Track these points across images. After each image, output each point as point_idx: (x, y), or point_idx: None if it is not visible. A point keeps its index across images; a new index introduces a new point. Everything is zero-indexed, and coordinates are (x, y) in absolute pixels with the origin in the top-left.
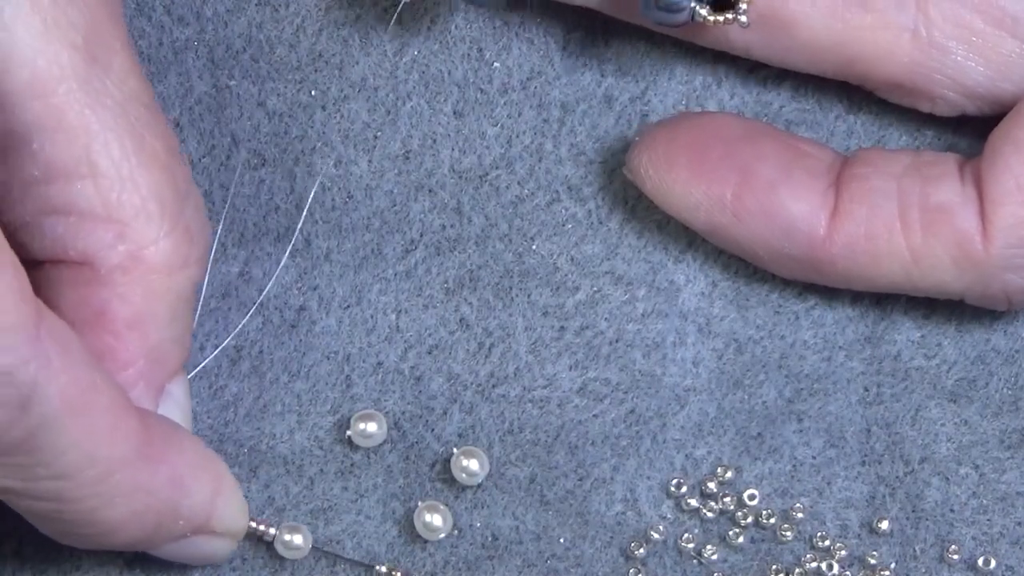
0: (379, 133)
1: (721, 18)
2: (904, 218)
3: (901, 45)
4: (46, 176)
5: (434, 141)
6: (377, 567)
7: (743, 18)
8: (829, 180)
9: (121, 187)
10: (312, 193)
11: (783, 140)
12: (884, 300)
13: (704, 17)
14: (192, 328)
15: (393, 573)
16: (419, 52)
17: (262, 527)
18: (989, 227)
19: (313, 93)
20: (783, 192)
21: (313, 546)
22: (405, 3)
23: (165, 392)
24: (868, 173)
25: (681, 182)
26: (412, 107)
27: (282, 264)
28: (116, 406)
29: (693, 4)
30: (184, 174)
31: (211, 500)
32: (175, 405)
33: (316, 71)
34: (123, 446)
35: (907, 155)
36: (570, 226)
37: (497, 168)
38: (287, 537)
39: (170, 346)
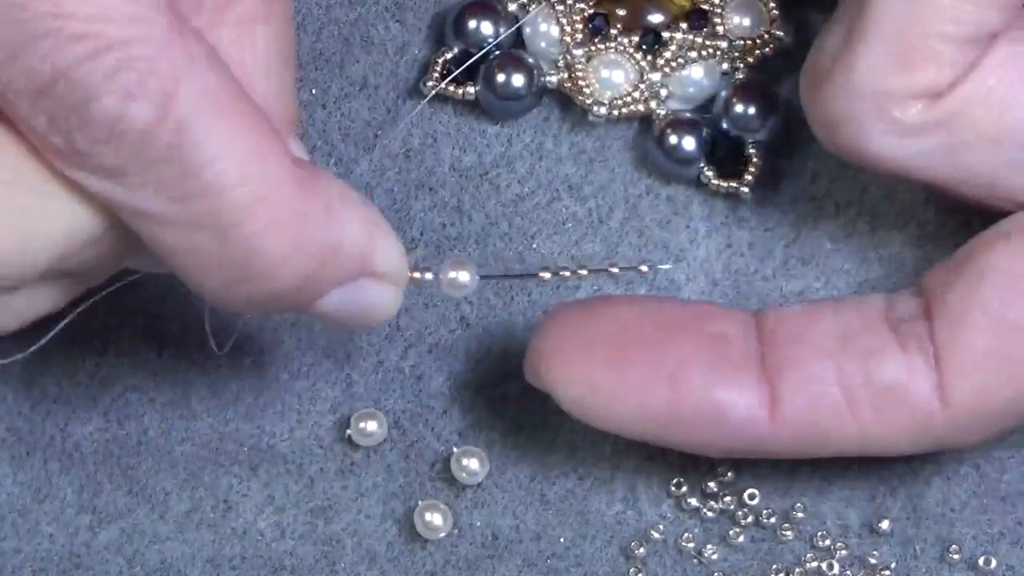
0: (379, 132)
1: (725, 184)
2: (851, 403)
3: None
4: None
5: (434, 140)
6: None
7: (746, 189)
8: (756, 367)
9: None
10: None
11: (693, 326)
12: None
13: (709, 180)
14: (295, 91)
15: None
16: (419, 51)
17: (417, 274)
18: (949, 400)
19: (314, 92)
20: (717, 396)
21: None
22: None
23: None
24: (800, 357)
25: (611, 400)
26: (413, 106)
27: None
28: (263, 123)
29: (702, 164)
30: None
31: (370, 235)
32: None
33: (316, 69)
34: (274, 165)
35: (830, 318)
36: (570, 225)
37: (497, 167)
38: (452, 275)
39: (275, 101)
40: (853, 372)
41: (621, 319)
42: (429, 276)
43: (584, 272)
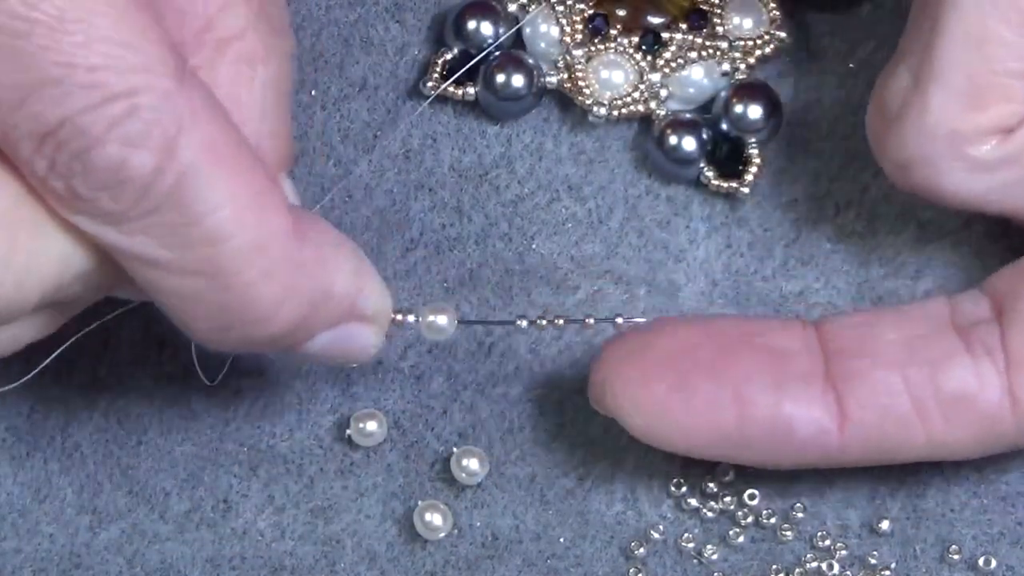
0: (379, 133)
1: (725, 184)
2: (920, 412)
3: None
4: None
5: (434, 140)
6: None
7: (746, 189)
8: (821, 380)
9: None
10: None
11: (754, 342)
12: (884, 299)
13: (709, 180)
14: (290, 130)
15: None
16: (419, 52)
17: (399, 316)
18: (1019, 407)
19: (313, 93)
20: (785, 411)
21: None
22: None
23: None
24: (865, 368)
25: (679, 425)
26: (412, 107)
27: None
28: (261, 172)
29: (702, 165)
30: None
31: (356, 278)
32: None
33: (316, 71)
34: (271, 214)
35: (893, 325)
36: (570, 225)
37: (497, 167)
38: (431, 318)
39: (268, 141)
40: (921, 381)
41: (681, 341)
42: (411, 319)
43: (561, 322)
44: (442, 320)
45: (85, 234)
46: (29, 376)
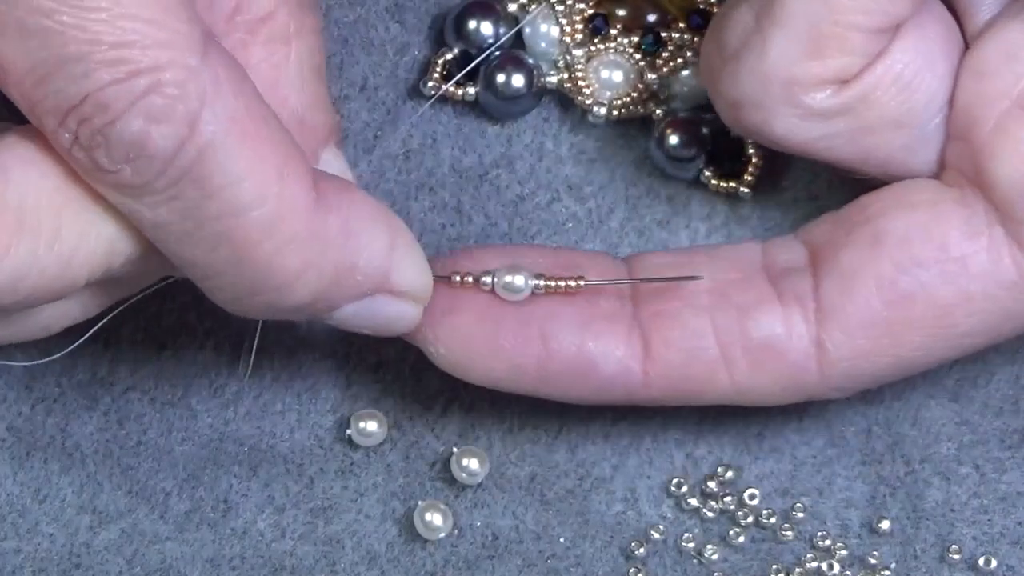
0: (379, 133)
1: (725, 184)
2: (726, 358)
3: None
4: None
5: (434, 140)
6: None
7: (745, 189)
8: (628, 319)
9: None
10: None
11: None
12: None
13: (709, 180)
14: (330, 102)
15: None
16: (419, 52)
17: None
18: (827, 357)
19: None
20: (587, 350)
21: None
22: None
23: (320, 160)
24: (675, 310)
25: (481, 358)
26: (413, 107)
27: None
28: (286, 144)
29: (702, 165)
30: None
31: (387, 254)
32: (333, 171)
33: None
34: (294, 187)
35: (705, 270)
36: (570, 225)
37: (497, 167)
38: (507, 279)
39: (311, 112)
40: (729, 327)
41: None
42: (488, 280)
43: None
44: (519, 280)
45: (126, 215)
46: (64, 352)
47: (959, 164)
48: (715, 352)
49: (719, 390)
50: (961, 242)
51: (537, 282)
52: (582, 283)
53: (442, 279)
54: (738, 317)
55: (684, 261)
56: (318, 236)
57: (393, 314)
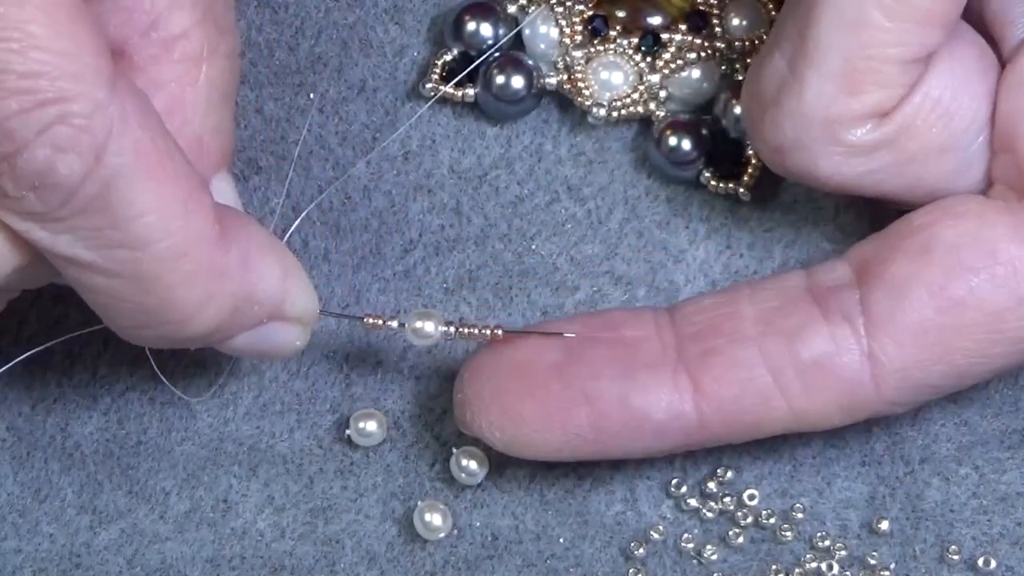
0: (378, 134)
1: (724, 185)
2: (780, 384)
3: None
4: None
5: (433, 141)
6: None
7: (744, 190)
8: (671, 363)
9: None
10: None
11: (604, 336)
12: None
13: (709, 181)
14: (232, 128)
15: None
16: (418, 54)
17: (379, 321)
18: (880, 370)
19: (312, 96)
20: (637, 402)
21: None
22: None
23: (211, 186)
24: (720, 346)
25: (535, 432)
26: (411, 108)
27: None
28: (190, 178)
29: (702, 166)
30: None
31: (282, 282)
32: (222, 199)
33: (315, 73)
34: (198, 221)
35: (747, 302)
36: (570, 226)
37: (496, 168)
38: (417, 324)
39: (211, 137)
40: (778, 352)
41: (529, 347)
42: (394, 324)
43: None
44: (428, 327)
45: (13, 232)
46: (15, 361)
47: (1006, 177)
48: (767, 380)
49: (777, 418)
50: (1010, 247)
51: (448, 329)
52: (499, 332)
53: (355, 319)
54: (786, 342)
55: (728, 300)
56: (220, 269)
57: (283, 339)
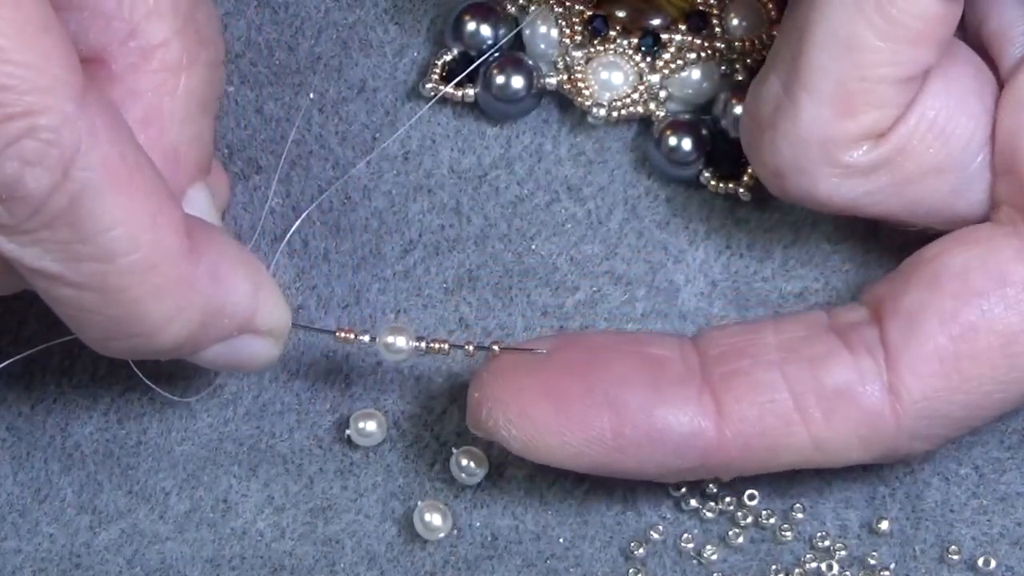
0: (378, 134)
1: (724, 186)
2: (801, 409)
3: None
4: None
5: (433, 141)
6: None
7: (744, 190)
8: (697, 381)
9: None
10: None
11: (630, 350)
12: None
13: (709, 181)
14: (211, 138)
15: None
16: (418, 54)
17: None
18: (901, 401)
19: (312, 96)
20: (660, 414)
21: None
22: None
23: (187, 197)
24: (745, 367)
25: (553, 433)
26: (411, 108)
27: (276, 262)
28: (160, 191)
29: (702, 166)
30: None
31: (253, 295)
32: (198, 210)
33: (315, 73)
34: (167, 234)
35: (771, 332)
36: (569, 226)
37: (496, 168)
38: (389, 339)
39: (188, 147)
40: (801, 377)
41: (553, 354)
42: (365, 339)
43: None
44: (400, 341)
45: None
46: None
47: (1010, 199)
48: (789, 404)
49: (797, 445)
50: (1019, 268)
51: (419, 344)
52: (470, 348)
53: (328, 332)
54: (810, 368)
55: (753, 328)
56: (189, 282)
57: (254, 352)
